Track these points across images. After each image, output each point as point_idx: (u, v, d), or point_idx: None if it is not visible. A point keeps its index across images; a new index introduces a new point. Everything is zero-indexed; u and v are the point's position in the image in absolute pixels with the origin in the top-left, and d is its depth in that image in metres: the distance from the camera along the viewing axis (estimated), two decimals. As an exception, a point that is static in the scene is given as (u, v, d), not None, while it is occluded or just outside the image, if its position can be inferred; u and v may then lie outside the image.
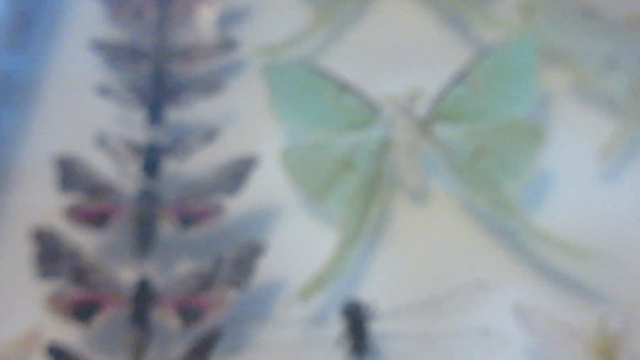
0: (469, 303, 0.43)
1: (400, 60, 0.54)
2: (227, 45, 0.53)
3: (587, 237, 0.45)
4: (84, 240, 0.45)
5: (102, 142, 0.49)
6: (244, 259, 0.44)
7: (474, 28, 0.55)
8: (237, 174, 0.47)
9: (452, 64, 0.51)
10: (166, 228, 0.46)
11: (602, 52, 0.51)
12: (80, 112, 0.52)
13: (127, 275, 0.44)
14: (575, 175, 0.49)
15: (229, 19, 0.55)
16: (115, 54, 0.53)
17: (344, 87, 0.50)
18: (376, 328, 0.42)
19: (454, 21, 0.55)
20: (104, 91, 0.51)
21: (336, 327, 0.43)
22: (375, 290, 0.45)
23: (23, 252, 0.44)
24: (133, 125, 0.51)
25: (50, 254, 0.44)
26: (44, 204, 0.47)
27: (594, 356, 0.41)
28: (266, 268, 0.44)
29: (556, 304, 0.44)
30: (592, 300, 0.44)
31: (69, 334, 0.43)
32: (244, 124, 0.51)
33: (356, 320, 0.42)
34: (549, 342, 0.42)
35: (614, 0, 0.54)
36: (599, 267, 0.44)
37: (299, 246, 0.47)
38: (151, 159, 0.48)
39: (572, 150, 0.49)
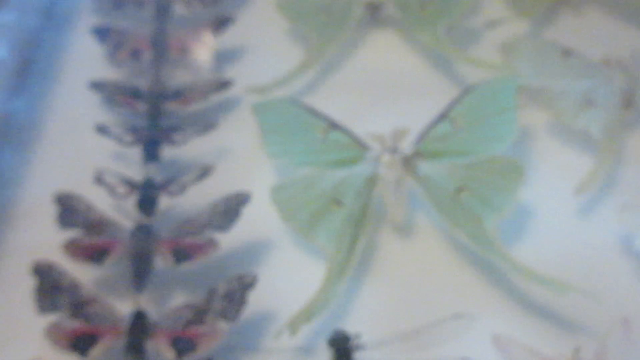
0: (450, 334, 0.44)
1: (387, 98, 0.55)
2: (221, 85, 0.54)
3: (564, 270, 0.46)
4: (83, 274, 0.46)
5: (99, 179, 0.50)
6: (235, 292, 0.45)
7: (458, 66, 0.56)
8: (229, 209, 0.48)
9: (437, 101, 0.52)
10: (161, 262, 0.47)
11: (579, 90, 0.52)
12: (80, 150, 0.53)
13: (123, 307, 0.45)
14: (553, 210, 0.49)
15: (223, 58, 0.57)
16: (112, 93, 0.54)
17: (332, 124, 0.51)
18: (362, 358, 0.43)
19: (438, 59, 0.56)
20: (102, 130, 0.52)
21: (323, 356, 0.44)
22: (361, 321, 0.46)
23: (24, 286, 0.45)
24: (130, 162, 0.52)
25: (49, 287, 0.45)
26: (44, 240, 0.48)
27: (568, 385, 0.43)
28: (256, 300, 0.45)
29: (534, 335, 0.45)
30: (568, 331, 0.45)
31: (68, 365, 0.44)
32: (237, 160, 0.52)
33: (342, 351, 0.43)
34: (527, 372, 0.43)
35: (591, 42, 0.55)
36: (575, 300, 0.45)
37: (288, 279, 0.48)
38: (147, 195, 0.49)
39: (550, 185, 0.50)
